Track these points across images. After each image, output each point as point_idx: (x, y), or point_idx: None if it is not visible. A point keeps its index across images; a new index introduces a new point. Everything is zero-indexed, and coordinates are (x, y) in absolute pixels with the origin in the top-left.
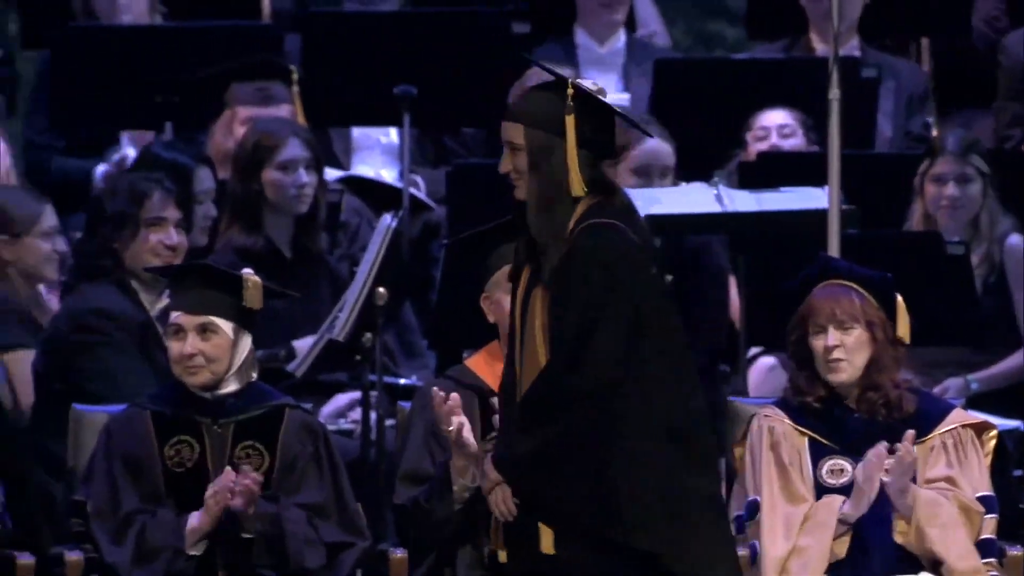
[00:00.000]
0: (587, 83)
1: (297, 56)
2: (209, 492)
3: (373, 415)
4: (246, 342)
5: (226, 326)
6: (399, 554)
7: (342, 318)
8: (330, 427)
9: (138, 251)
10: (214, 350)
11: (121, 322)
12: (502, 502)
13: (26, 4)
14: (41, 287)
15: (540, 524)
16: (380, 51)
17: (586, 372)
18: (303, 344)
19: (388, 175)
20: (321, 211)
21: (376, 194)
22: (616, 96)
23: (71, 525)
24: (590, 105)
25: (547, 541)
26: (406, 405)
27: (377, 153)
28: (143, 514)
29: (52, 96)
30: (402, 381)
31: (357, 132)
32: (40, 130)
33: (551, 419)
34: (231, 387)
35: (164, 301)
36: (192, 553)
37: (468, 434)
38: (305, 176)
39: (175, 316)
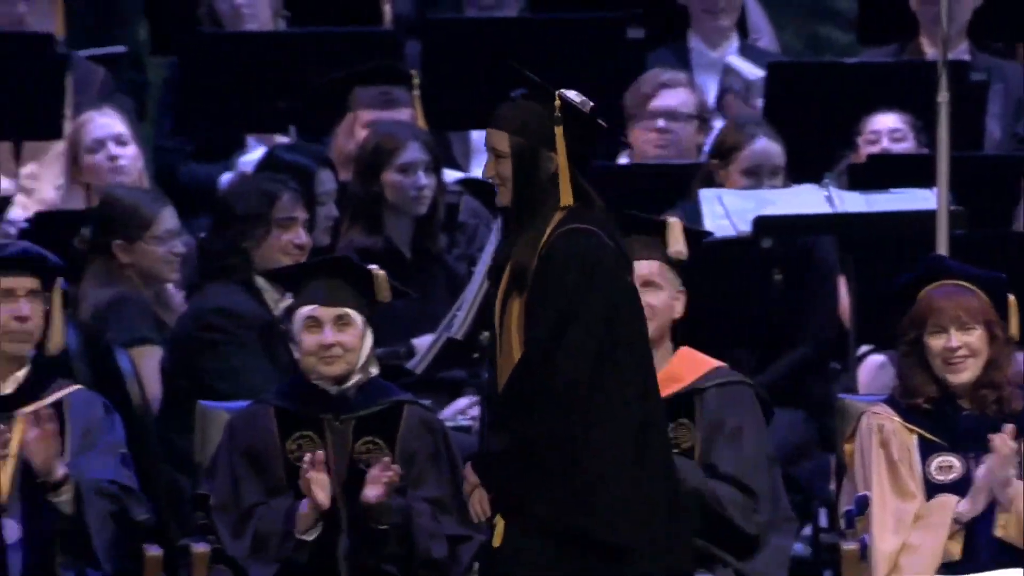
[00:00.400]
0: (572, 94)
1: (417, 61)
2: (311, 475)
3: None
4: (370, 337)
5: (358, 319)
6: None
7: (460, 317)
8: (448, 423)
9: (269, 250)
10: (351, 340)
11: (246, 321)
12: (477, 503)
13: (154, 12)
14: (169, 286)
15: (495, 521)
16: (498, 56)
17: (558, 371)
18: (422, 342)
19: None
20: (440, 212)
21: (494, 195)
22: (752, 68)
23: (196, 518)
24: (576, 116)
25: (497, 537)
26: None
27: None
28: (262, 507)
29: (179, 101)
30: None
31: (476, 135)
32: (168, 134)
33: (524, 418)
34: (353, 382)
35: (288, 300)
36: (304, 538)
37: None
38: (424, 178)
39: (310, 309)
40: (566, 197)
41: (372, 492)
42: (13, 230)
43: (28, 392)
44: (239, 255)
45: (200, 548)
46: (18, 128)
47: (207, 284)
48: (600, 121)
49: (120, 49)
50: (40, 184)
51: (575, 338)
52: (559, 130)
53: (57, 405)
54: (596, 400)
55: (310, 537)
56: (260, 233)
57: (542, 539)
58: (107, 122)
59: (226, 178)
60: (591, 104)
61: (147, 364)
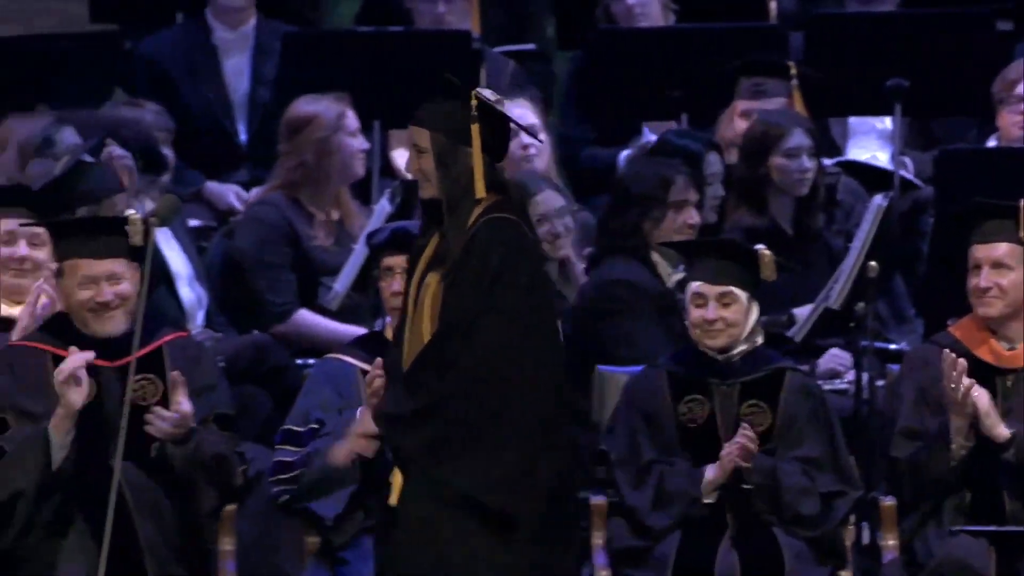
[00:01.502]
0: (487, 93)
1: (800, 53)
2: (725, 450)
3: (865, 376)
4: (755, 310)
5: (742, 295)
6: (889, 502)
7: (837, 288)
8: (826, 387)
9: (664, 231)
10: (733, 316)
11: (643, 292)
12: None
13: (561, 11)
14: (573, 260)
15: (392, 479)
16: (876, 47)
17: (473, 347)
18: (802, 312)
19: (882, 157)
20: (820, 193)
21: (869, 175)
22: None
23: (596, 472)
24: (491, 114)
25: (394, 495)
26: (894, 368)
27: (873, 138)
28: (660, 463)
29: (582, 92)
30: (892, 346)
31: (853, 120)
32: (572, 123)
33: (439, 384)
34: (739, 350)
35: (680, 273)
36: (706, 501)
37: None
38: (807, 162)
39: (697, 286)
40: (479, 190)
41: (729, 457)
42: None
43: None
44: (636, 234)
45: (598, 500)
46: None
47: (606, 258)
48: (512, 119)
49: (530, 47)
50: None
51: (489, 320)
52: (475, 127)
53: None
54: (510, 377)
55: (711, 499)
56: (656, 215)
57: (440, 503)
58: (520, 112)
59: (623, 160)
60: (504, 101)
61: None
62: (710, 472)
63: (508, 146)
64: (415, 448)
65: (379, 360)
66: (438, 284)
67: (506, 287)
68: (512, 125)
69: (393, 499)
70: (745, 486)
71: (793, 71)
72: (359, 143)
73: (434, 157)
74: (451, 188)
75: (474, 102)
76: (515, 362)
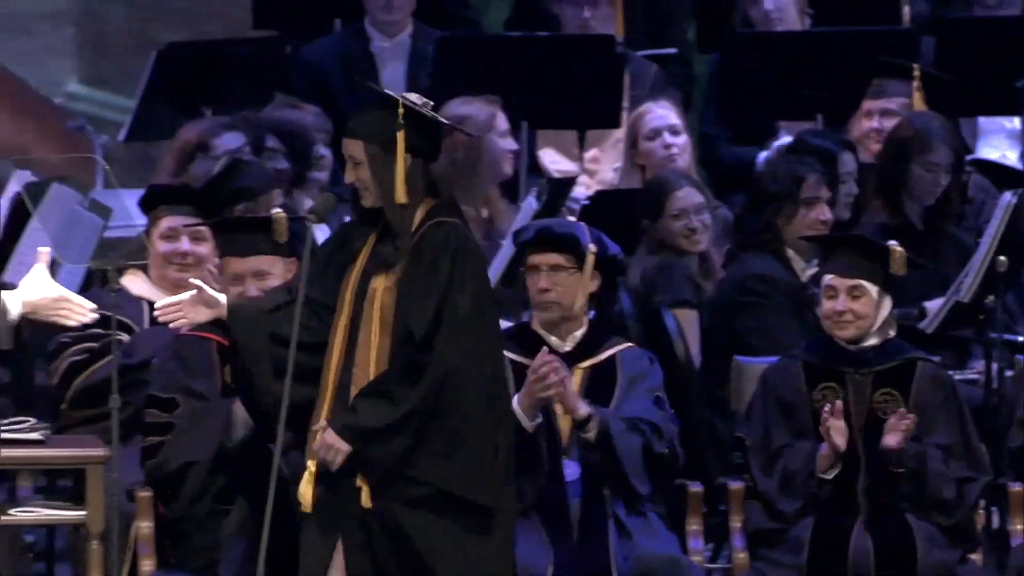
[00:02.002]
0: (414, 97)
1: (931, 56)
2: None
3: (994, 367)
4: (887, 303)
5: (872, 289)
6: (1017, 488)
7: (967, 282)
8: (956, 377)
9: (796, 226)
10: (862, 308)
11: (778, 286)
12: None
13: (702, 15)
14: (713, 255)
15: (359, 482)
16: (1005, 49)
17: (436, 353)
18: (933, 305)
19: (1011, 156)
20: (953, 199)
21: (999, 173)
22: None
23: (733, 458)
24: (418, 119)
25: (366, 497)
26: (1023, 359)
27: (1002, 137)
28: (788, 447)
29: (722, 93)
30: (1020, 338)
31: (984, 119)
32: (711, 123)
33: (408, 393)
34: (872, 341)
35: (813, 268)
36: (824, 477)
37: None
38: (943, 179)
39: (829, 279)
40: (400, 195)
41: (892, 439)
42: (576, 206)
43: (586, 349)
44: (771, 230)
45: (736, 485)
46: (582, 118)
47: (743, 253)
48: (440, 119)
49: (671, 50)
50: (600, 167)
51: (449, 324)
52: (400, 135)
53: (611, 360)
54: (472, 377)
55: (830, 476)
56: (789, 211)
57: (419, 504)
58: (663, 113)
59: (761, 160)
60: (431, 104)
61: (689, 323)
62: (823, 449)
63: (440, 147)
64: (391, 459)
65: (544, 349)
66: (385, 291)
67: (460, 292)
68: (444, 125)
69: (366, 501)
70: (895, 470)
71: (916, 72)
72: (508, 144)
73: (368, 166)
74: (388, 194)
75: (400, 110)
76: (475, 362)
